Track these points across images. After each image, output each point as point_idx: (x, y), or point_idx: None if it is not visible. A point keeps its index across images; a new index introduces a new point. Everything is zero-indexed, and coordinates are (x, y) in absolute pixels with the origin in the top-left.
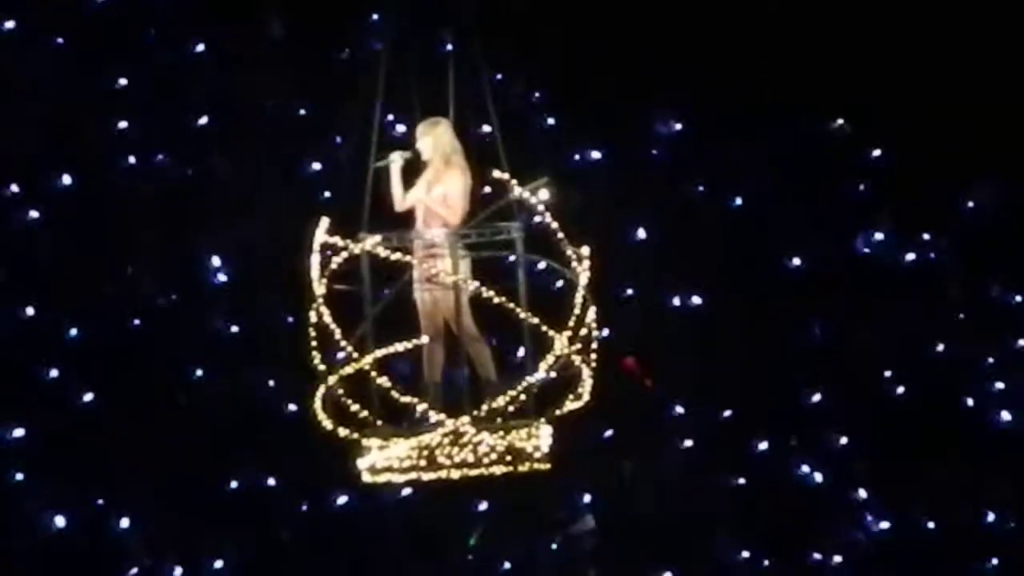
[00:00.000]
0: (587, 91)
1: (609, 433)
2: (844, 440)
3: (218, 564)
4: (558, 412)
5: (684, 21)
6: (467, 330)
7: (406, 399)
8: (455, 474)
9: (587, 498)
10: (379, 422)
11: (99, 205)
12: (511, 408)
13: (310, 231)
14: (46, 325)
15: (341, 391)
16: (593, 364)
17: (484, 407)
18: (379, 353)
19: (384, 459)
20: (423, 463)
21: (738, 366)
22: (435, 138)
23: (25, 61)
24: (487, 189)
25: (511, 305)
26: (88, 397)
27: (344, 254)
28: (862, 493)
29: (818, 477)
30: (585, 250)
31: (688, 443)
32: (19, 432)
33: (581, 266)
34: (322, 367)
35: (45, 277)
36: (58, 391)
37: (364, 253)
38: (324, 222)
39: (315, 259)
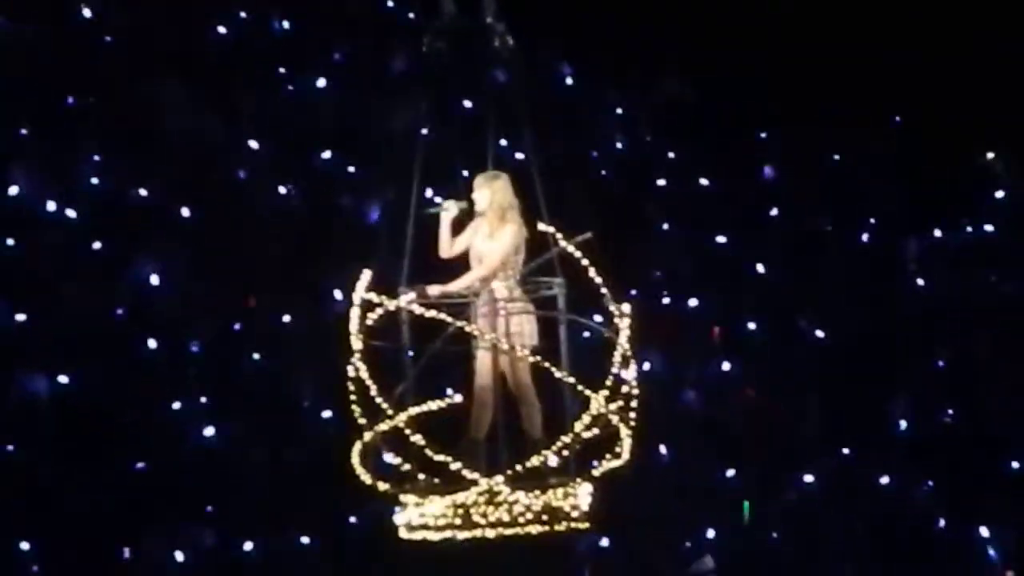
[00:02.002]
0: (704, 125)
1: (731, 473)
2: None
3: None
4: (596, 472)
5: (809, 55)
6: (523, 388)
7: (440, 457)
8: (491, 533)
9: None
10: (420, 476)
11: (224, 237)
12: (551, 467)
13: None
14: (168, 357)
15: (381, 445)
16: (632, 423)
17: (519, 466)
18: (414, 411)
19: (420, 516)
20: (458, 521)
21: (864, 400)
22: (493, 192)
23: (150, 96)
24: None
25: (546, 364)
26: (209, 431)
27: (380, 310)
28: (984, 531)
29: (942, 515)
30: (626, 307)
31: (809, 478)
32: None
33: (622, 323)
34: (362, 421)
35: (170, 310)
36: (181, 424)
37: (402, 310)
38: (366, 275)
39: (355, 313)
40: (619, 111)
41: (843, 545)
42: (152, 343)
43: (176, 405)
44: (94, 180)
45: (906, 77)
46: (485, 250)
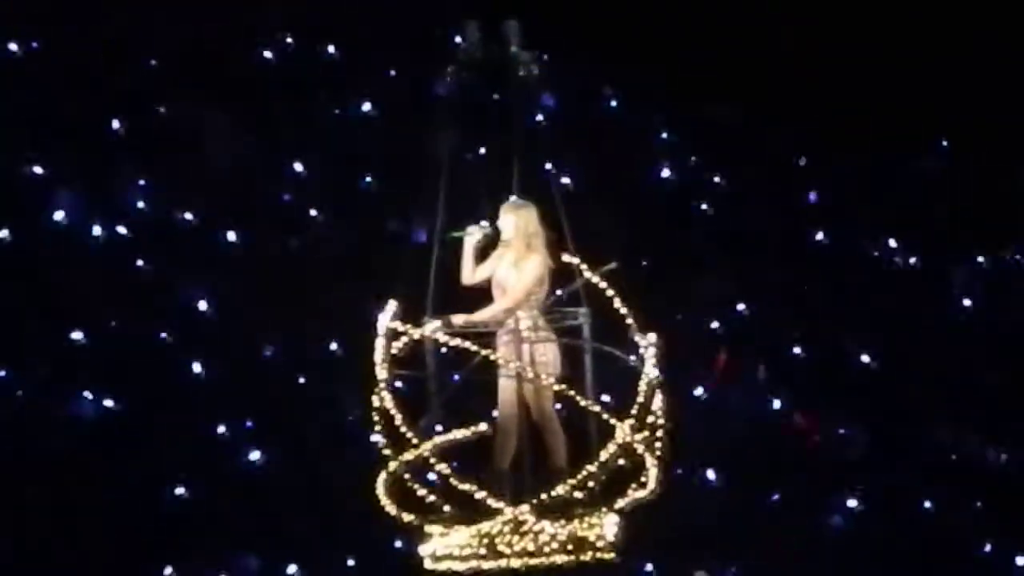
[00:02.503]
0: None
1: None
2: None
3: None
4: (622, 502)
5: (854, 77)
6: (547, 417)
7: (464, 487)
8: (516, 563)
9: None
10: (445, 507)
11: (267, 264)
12: (578, 497)
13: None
14: (213, 381)
15: (407, 475)
16: (659, 453)
17: (545, 495)
18: (439, 440)
19: (444, 546)
20: (483, 551)
21: (909, 424)
22: (519, 219)
23: (194, 120)
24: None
25: (571, 392)
26: (255, 455)
27: (405, 339)
28: None
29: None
30: (652, 336)
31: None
32: (180, 491)
33: (648, 352)
34: (387, 451)
35: (212, 334)
36: (227, 448)
37: (427, 339)
38: (391, 305)
39: (380, 343)
40: (664, 135)
41: (887, 569)
42: (196, 367)
43: (221, 429)
44: (140, 204)
45: (953, 100)
46: (509, 280)
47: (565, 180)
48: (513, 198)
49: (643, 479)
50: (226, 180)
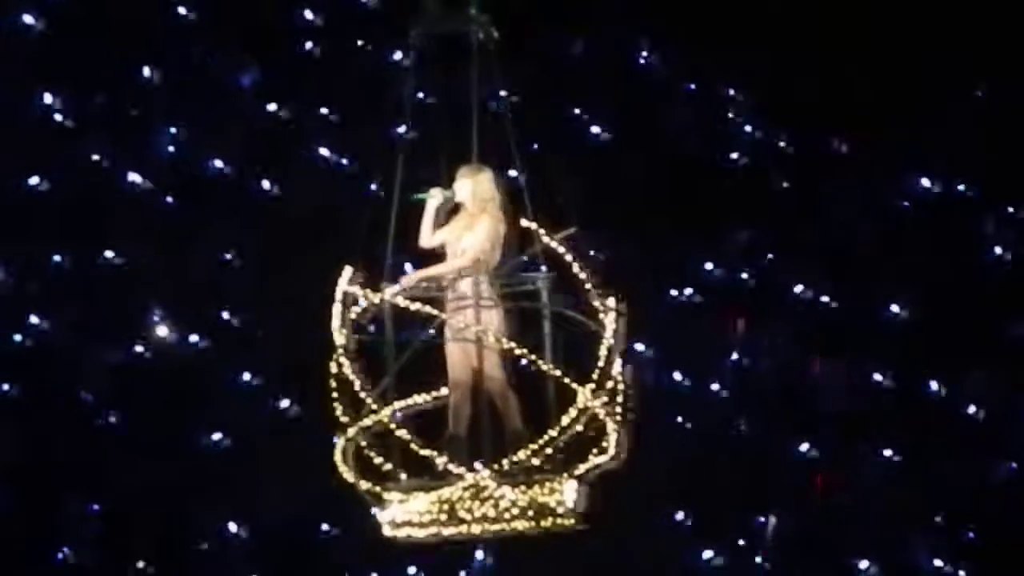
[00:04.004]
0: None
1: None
2: None
3: None
4: (584, 467)
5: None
6: (494, 382)
7: (426, 452)
8: (476, 529)
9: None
10: (402, 475)
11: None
12: (537, 463)
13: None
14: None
15: (364, 443)
16: (619, 418)
17: (506, 461)
18: (399, 405)
19: (404, 513)
20: (444, 517)
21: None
22: (475, 184)
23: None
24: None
25: (534, 356)
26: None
27: (364, 304)
28: None
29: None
30: (612, 301)
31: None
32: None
33: (608, 317)
34: (344, 419)
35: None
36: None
37: (386, 303)
38: (347, 271)
39: (337, 309)
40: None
41: (918, 521)
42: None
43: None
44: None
45: (988, 48)
46: (461, 242)
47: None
48: (470, 164)
49: (604, 445)
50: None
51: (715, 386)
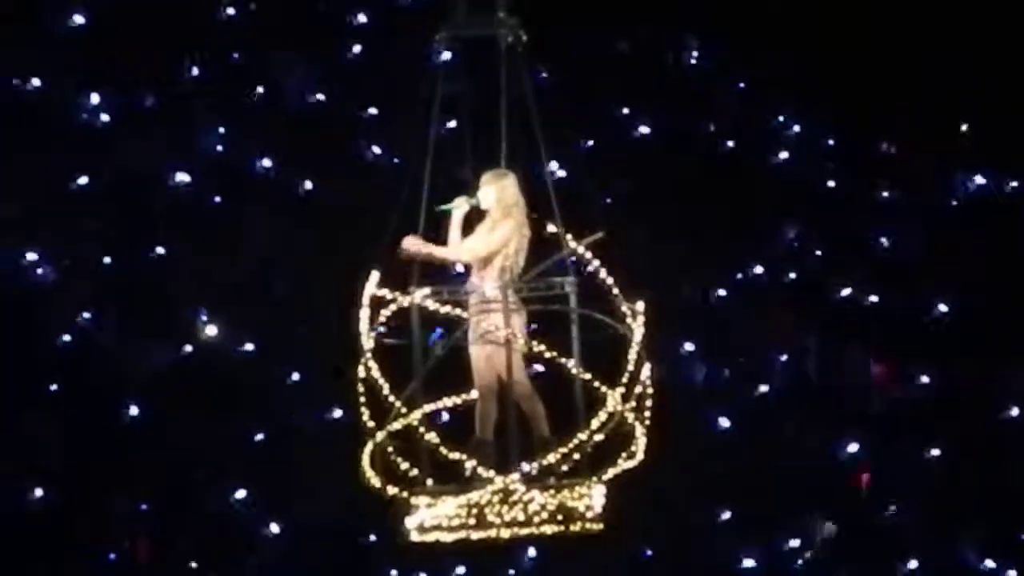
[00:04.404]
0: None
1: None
2: None
3: None
4: (611, 471)
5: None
6: (520, 386)
7: (455, 456)
8: (505, 533)
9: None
10: (428, 480)
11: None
12: (565, 467)
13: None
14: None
15: (390, 448)
16: (647, 422)
17: (535, 465)
18: (428, 408)
19: (432, 517)
20: (472, 521)
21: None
22: (499, 190)
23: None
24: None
25: (563, 360)
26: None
27: (393, 307)
28: None
29: None
30: (640, 305)
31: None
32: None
33: (635, 321)
34: (371, 423)
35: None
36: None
37: (414, 306)
38: (374, 275)
39: (364, 312)
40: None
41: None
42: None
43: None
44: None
45: None
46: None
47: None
48: (494, 169)
49: (632, 448)
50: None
51: (763, 387)
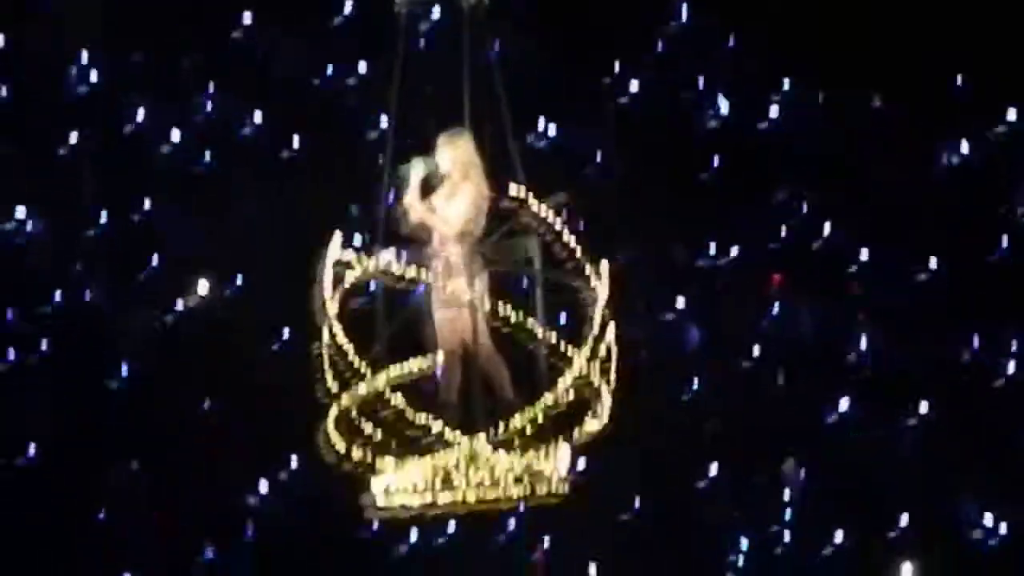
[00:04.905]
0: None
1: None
2: None
3: None
4: (577, 434)
5: None
6: (484, 349)
7: (422, 418)
8: (471, 496)
9: None
10: (393, 444)
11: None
12: (531, 430)
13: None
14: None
15: (354, 412)
16: (612, 384)
17: (501, 427)
18: (394, 372)
19: (399, 481)
20: (439, 484)
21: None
22: (455, 150)
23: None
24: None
25: (528, 323)
26: None
27: (358, 270)
28: None
29: None
30: (604, 265)
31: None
32: None
33: (600, 282)
34: (335, 388)
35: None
36: None
37: (378, 269)
38: (337, 237)
39: (327, 275)
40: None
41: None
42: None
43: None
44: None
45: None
46: (444, 211)
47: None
48: (449, 130)
49: (597, 409)
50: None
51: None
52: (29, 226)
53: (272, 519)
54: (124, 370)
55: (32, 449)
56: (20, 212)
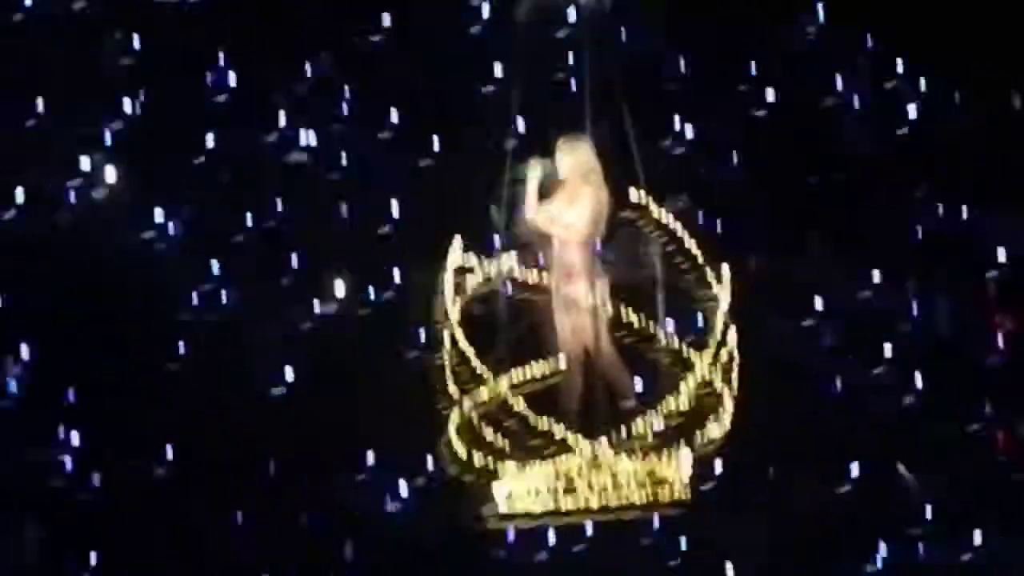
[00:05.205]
0: None
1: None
2: None
3: None
4: (699, 439)
5: None
6: (606, 354)
7: (544, 424)
8: (594, 501)
9: None
10: (515, 450)
11: None
12: (652, 435)
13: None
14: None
15: (476, 419)
16: (735, 389)
17: (623, 432)
18: (516, 376)
19: (521, 486)
20: (561, 489)
21: None
22: (574, 156)
23: None
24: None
25: (650, 328)
26: None
27: (479, 275)
28: None
29: None
30: (726, 270)
31: None
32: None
33: (721, 287)
34: (456, 395)
35: None
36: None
37: (500, 274)
38: (457, 241)
39: (448, 280)
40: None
41: None
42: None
43: None
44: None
45: None
46: (563, 217)
47: None
48: (567, 137)
49: (720, 414)
50: None
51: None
52: (170, 229)
53: (406, 526)
54: (262, 376)
55: (170, 452)
56: (159, 216)
